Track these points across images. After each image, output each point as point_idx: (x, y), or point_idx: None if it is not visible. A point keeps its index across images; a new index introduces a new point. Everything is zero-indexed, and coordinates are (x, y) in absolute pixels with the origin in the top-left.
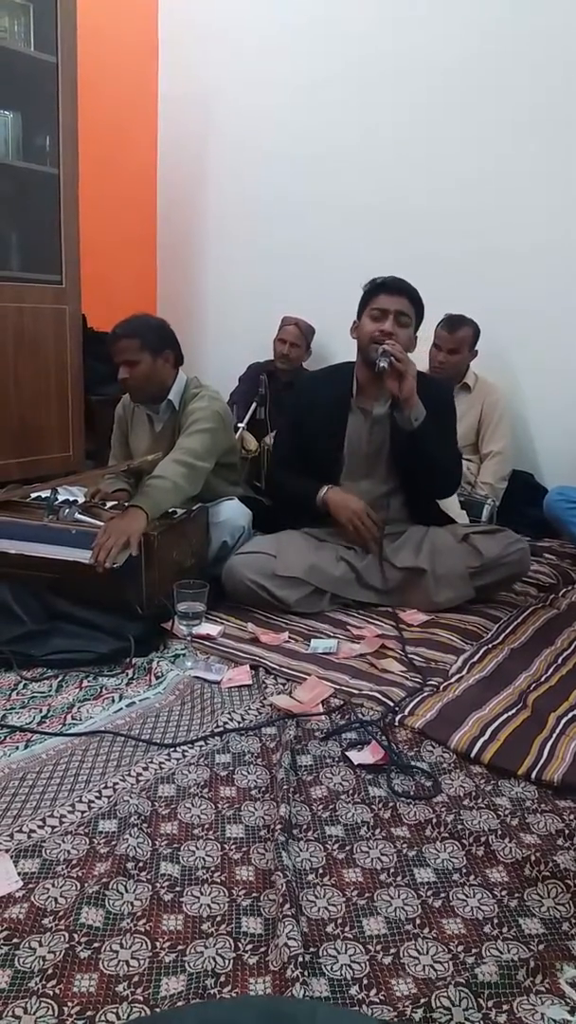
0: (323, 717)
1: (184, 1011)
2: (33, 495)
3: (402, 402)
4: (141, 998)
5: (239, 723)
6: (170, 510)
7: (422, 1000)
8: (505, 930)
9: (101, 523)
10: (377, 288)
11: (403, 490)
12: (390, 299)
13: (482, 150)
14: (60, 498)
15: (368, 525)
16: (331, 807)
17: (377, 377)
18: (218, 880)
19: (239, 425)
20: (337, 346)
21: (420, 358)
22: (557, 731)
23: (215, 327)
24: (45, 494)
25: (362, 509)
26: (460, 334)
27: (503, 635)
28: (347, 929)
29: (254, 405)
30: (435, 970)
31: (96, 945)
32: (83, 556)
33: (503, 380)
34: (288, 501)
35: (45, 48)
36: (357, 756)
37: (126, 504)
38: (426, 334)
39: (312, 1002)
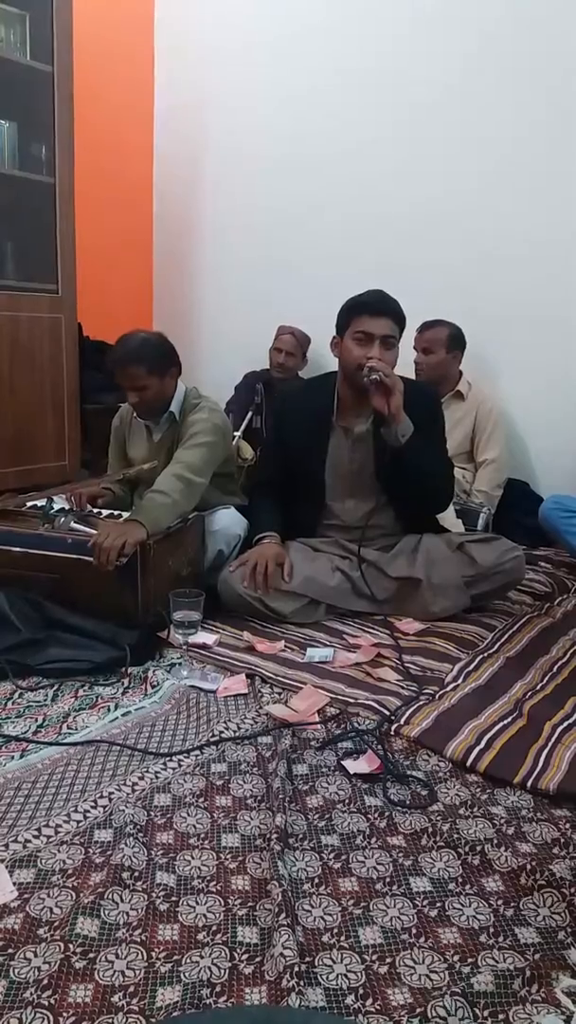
0: (319, 726)
1: (178, 1021)
2: (28, 504)
3: (389, 418)
4: (136, 1008)
5: (235, 732)
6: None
7: (418, 1010)
8: (501, 939)
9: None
10: (359, 308)
11: (391, 504)
12: (374, 322)
13: (479, 158)
14: (55, 507)
15: (259, 568)
16: (327, 816)
17: (363, 396)
18: (214, 890)
19: (235, 434)
20: (332, 355)
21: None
22: (553, 740)
23: (211, 336)
24: (41, 503)
25: (269, 554)
26: (429, 334)
27: (499, 644)
28: (343, 939)
29: (250, 414)
30: (431, 980)
31: (91, 955)
32: (83, 557)
33: (498, 388)
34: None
35: (41, 57)
36: (353, 765)
37: (123, 515)
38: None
39: (307, 1011)
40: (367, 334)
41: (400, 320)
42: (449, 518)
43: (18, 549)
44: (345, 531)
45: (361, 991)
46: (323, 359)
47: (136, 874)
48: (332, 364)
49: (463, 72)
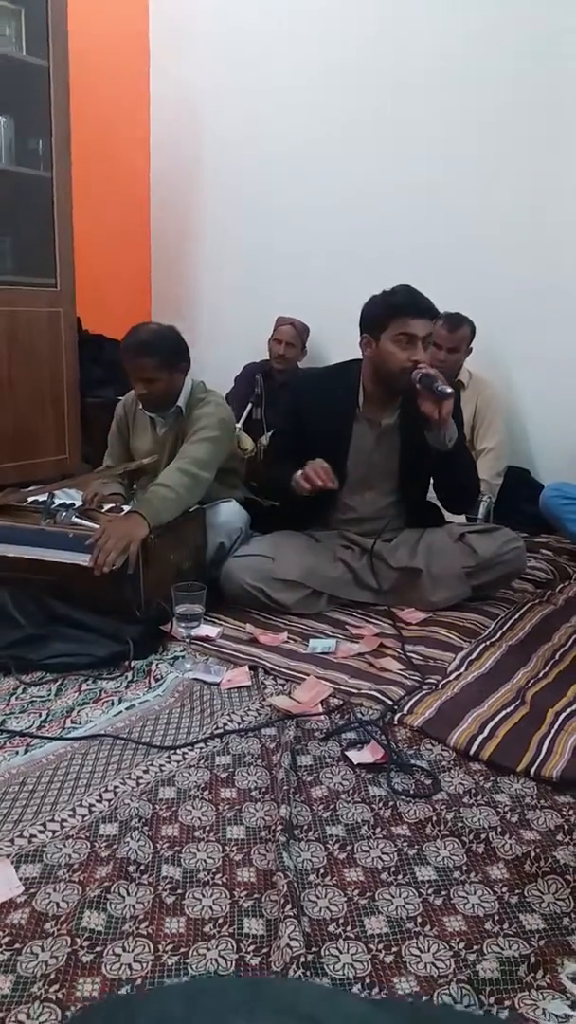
0: (322, 717)
1: (172, 989)
2: (30, 499)
3: (437, 423)
4: None
5: (239, 724)
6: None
7: (424, 998)
8: (506, 926)
9: (98, 526)
10: (400, 309)
11: (408, 499)
12: (417, 323)
13: (480, 145)
14: (57, 502)
15: (316, 469)
16: (331, 807)
17: (394, 392)
18: (219, 882)
19: (235, 426)
20: (332, 345)
21: None
22: (555, 727)
23: (210, 328)
24: (42, 498)
25: (314, 465)
26: (460, 333)
27: (501, 632)
28: (349, 928)
29: (250, 405)
30: (437, 968)
31: (98, 949)
32: (82, 559)
33: (497, 376)
34: (274, 490)
35: (36, 52)
36: (357, 755)
37: (124, 508)
38: None
39: (292, 984)
40: (410, 336)
41: (435, 317)
42: None
43: (13, 554)
44: (358, 523)
45: (367, 980)
46: (322, 349)
47: (142, 867)
48: (330, 354)
49: (462, 58)
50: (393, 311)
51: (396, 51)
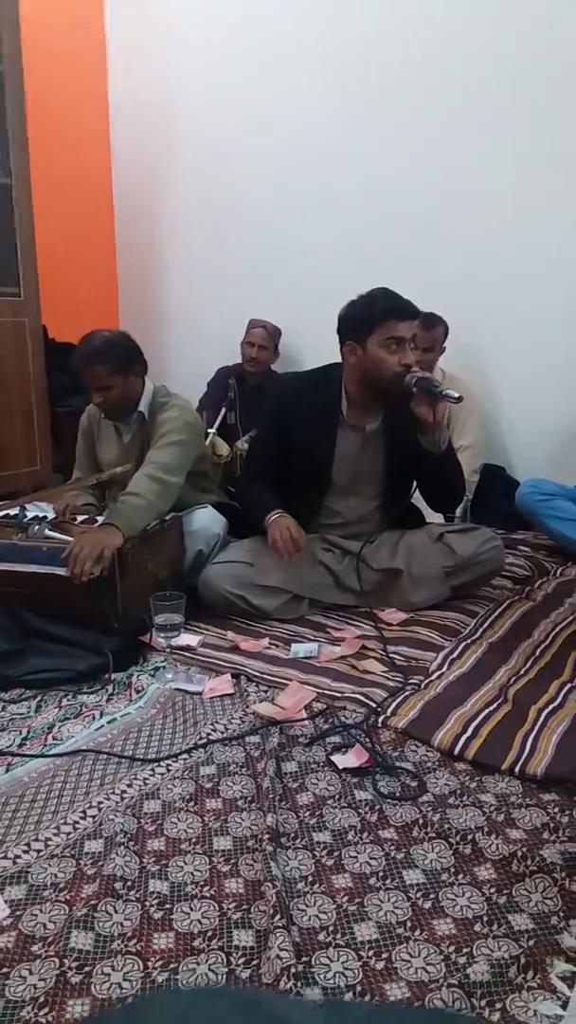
0: (306, 722)
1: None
2: (0, 513)
3: (431, 427)
4: None
5: (222, 733)
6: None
7: (416, 1004)
8: (495, 928)
9: (72, 539)
10: (387, 313)
11: (392, 503)
12: (403, 326)
13: (458, 142)
14: (29, 515)
15: (283, 534)
16: (318, 813)
17: (379, 397)
18: (208, 894)
19: (210, 431)
20: (304, 347)
21: None
22: (538, 724)
23: (180, 332)
24: (13, 512)
25: (289, 523)
26: (434, 332)
27: (481, 629)
28: (339, 936)
29: (224, 410)
30: (427, 972)
31: (87, 969)
32: (57, 571)
33: (473, 375)
34: (246, 510)
35: None
36: (342, 760)
37: (98, 519)
38: None
39: (291, 999)
40: (399, 339)
41: (417, 317)
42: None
43: None
44: (342, 528)
45: (359, 988)
46: (294, 352)
47: (129, 883)
48: (303, 356)
49: (449, 72)
50: (378, 316)
51: (373, 47)
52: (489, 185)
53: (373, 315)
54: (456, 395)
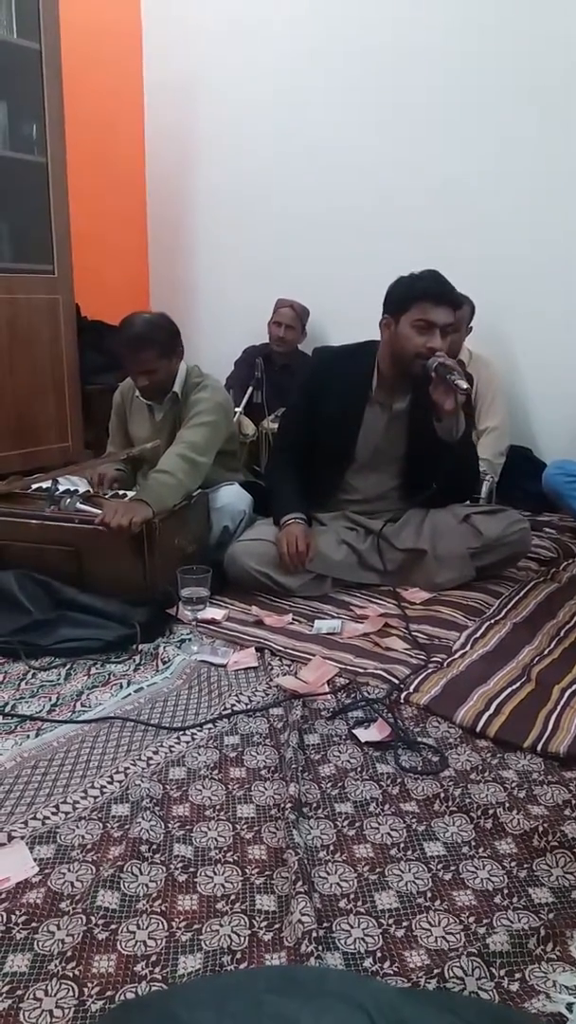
0: (329, 696)
1: (202, 981)
2: (34, 486)
3: (448, 414)
4: (159, 977)
5: (246, 705)
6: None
7: (435, 971)
8: (515, 900)
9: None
10: (423, 295)
11: (412, 484)
12: (438, 311)
13: (482, 125)
14: (61, 488)
15: (291, 547)
16: (340, 784)
17: (408, 377)
18: (231, 860)
19: (236, 410)
20: (332, 327)
21: None
22: (561, 703)
23: (209, 312)
24: (46, 485)
25: (298, 532)
26: (460, 313)
27: (505, 610)
28: (359, 904)
29: (251, 389)
30: (447, 941)
31: (113, 927)
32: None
33: (499, 356)
34: (268, 496)
35: (28, 35)
36: (364, 734)
37: (127, 494)
38: None
39: (322, 968)
40: (429, 323)
41: (458, 307)
42: None
43: (35, 521)
44: (361, 504)
45: (379, 954)
46: (321, 332)
47: (154, 847)
48: (330, 336)
49: (465, 46)
50: (416, 295)
51: (397, 30)
52: (518, 164)
53: (411, 293)
54: (464, 385)
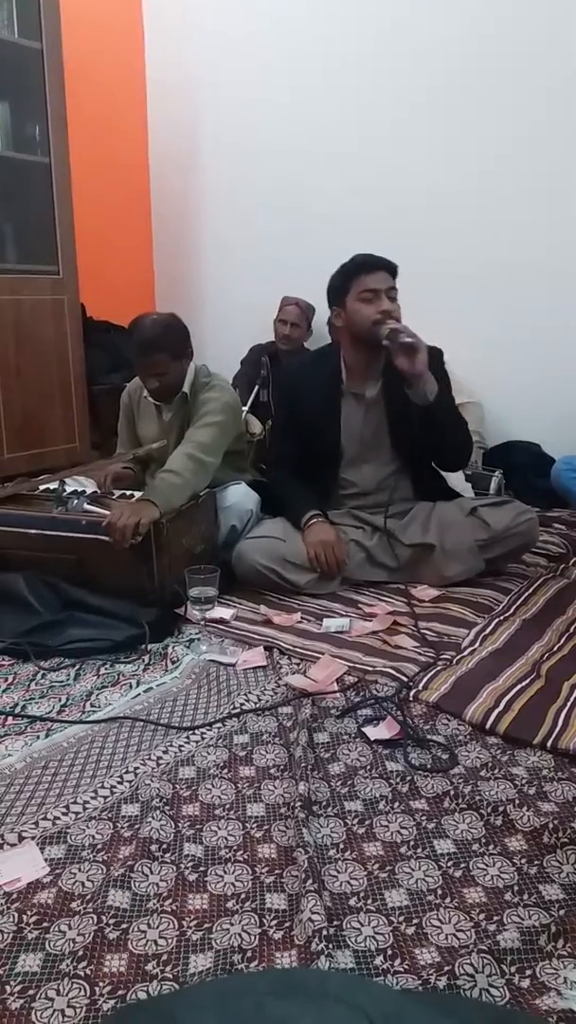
0: (338, 695)
1: (204, 985)
2: (41, 487)
3: (414, 377)
4: (170, 976)
5: (255, 704)
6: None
7: (446, 968)
8: (525, 897)
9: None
10: (356, 269)
11: (409, 469)
12: (376, 277)
13: (479, 127)
14: (68, 489)
15: (330, 558)
16: (349, 783)
17: (372, 358)
18: (241, 858)
19: (243, 408)
20: (334, 329)
21: None
22: (571, 700)
23: (214, 310)
24: (53, 486)
25: (331, 540)
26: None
27: (514, 607)
28: (369, 902)
29: (257, 387)
30: (458, 938)
31: (124, 926)
32: (100, 537)
33: (507, 350)
34: (280, 505)
35: (29, 35)
36: (373, 732)
37: (135, 494)
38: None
39: (323, 971)
40: (373, 291)
41: (394, 271)
42: (459, 484)
43: (35, 531)
44: (362, 498)
45: (389, 952)
46: (327, 329)
47: (164, 846)
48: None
49: (466, 49)
50: (349, 274)
51: (400, 30)
52: (526, 166)
53: (345, 276)
54: (410, 340)
